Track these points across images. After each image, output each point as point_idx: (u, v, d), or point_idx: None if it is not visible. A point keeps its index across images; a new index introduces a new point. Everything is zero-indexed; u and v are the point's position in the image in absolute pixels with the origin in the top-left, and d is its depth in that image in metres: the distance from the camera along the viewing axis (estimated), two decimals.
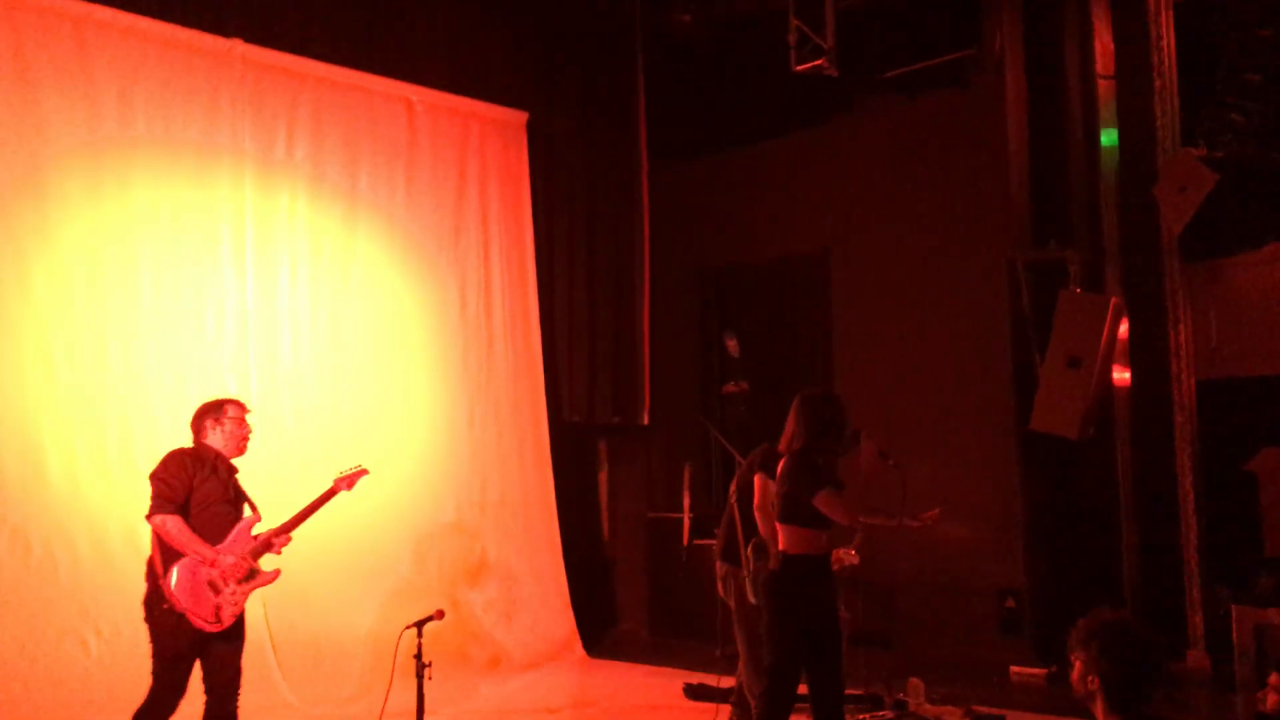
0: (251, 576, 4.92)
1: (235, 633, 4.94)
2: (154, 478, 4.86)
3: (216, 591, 4.78)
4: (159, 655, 4.77)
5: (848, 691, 5.65)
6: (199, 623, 4.73)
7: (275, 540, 5.01)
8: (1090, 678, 2.86)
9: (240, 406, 5.09)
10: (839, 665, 4.96)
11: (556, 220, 9.65)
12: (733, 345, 9.97)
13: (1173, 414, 7.69)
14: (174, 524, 4.76)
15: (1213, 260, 7.70)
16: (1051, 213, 8.10)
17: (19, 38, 6.83)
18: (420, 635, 5.02)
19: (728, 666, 6.64)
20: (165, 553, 4.78)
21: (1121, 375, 7.90)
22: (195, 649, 4.78)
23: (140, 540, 6.04)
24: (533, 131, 9.51)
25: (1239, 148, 7.37)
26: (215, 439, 4.99)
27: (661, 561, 9.81)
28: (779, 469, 5.09)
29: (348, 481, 5.37)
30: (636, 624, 9.97)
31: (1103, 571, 7.81)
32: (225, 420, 4.99)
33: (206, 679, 4.87)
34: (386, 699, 5.40)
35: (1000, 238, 8.29)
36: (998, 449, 8.31)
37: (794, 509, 4.89)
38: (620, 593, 10.14)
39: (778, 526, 5.02)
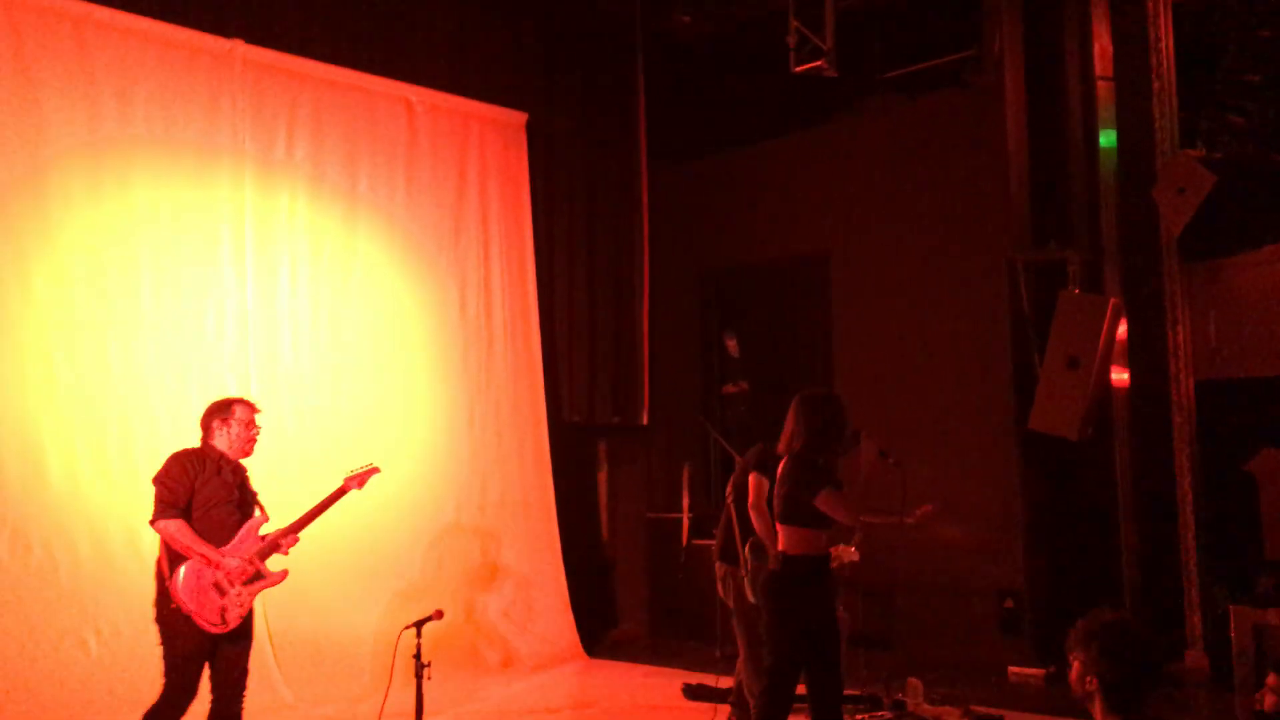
0: (257, 578, 4.92)
1: (243, 634, 4.94)
2: (156, 481, 4.87)
3: (222, 593, 4.78)
4: (168, 656, 4.78)
5: (846, 691, 5.66)
6: (204, 624, 4.73)
7: (283, 541, 5.00)
8: (1089, 678, 2.86)
9: (249, 407, 5.07)
10: (838, 665, 4.97)
11: (556, 220, 9.65)
12: (732, 345, 9.99)
13: (1171, 414, 7.69)
14: (176, 527, 4.77)
15: (1212, 261, 7.71)
16: (1051, 213, 8.10)
17: (19, 37, 6.83)
18: (419, 635, 5.03)
19: (727, 667, 6.65)
20: (172, 554, 4.81)
21: (1120, 376, 7.91)
22: (204, 650, 4.78)
23: (140, 541, 6.06)
24: (532, 132, 9.51)
25: (1238, 149, 7.38)
26: (221, 440, 4.99)
27: (661, 562, 9.82)
28: (779, 469, 5.10)
29: (358, 480, 5.33)
30: (636, 624, 9.98)
31: (1102, 572, 7.81)
32: (232, 422, 4.98)
33: (213, 679, 4.88)
34: (385, 699, 5.39)
35: (1000, 238, 8.30)
36: (997, 449, 8.31)
37: (794, 509, 4.90)
38: (620, 593, 10.14)
39: (778, 527, 5.02)
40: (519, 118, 9.46)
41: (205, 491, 4.87)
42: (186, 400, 6.93)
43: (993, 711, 6.60)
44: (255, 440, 5.04)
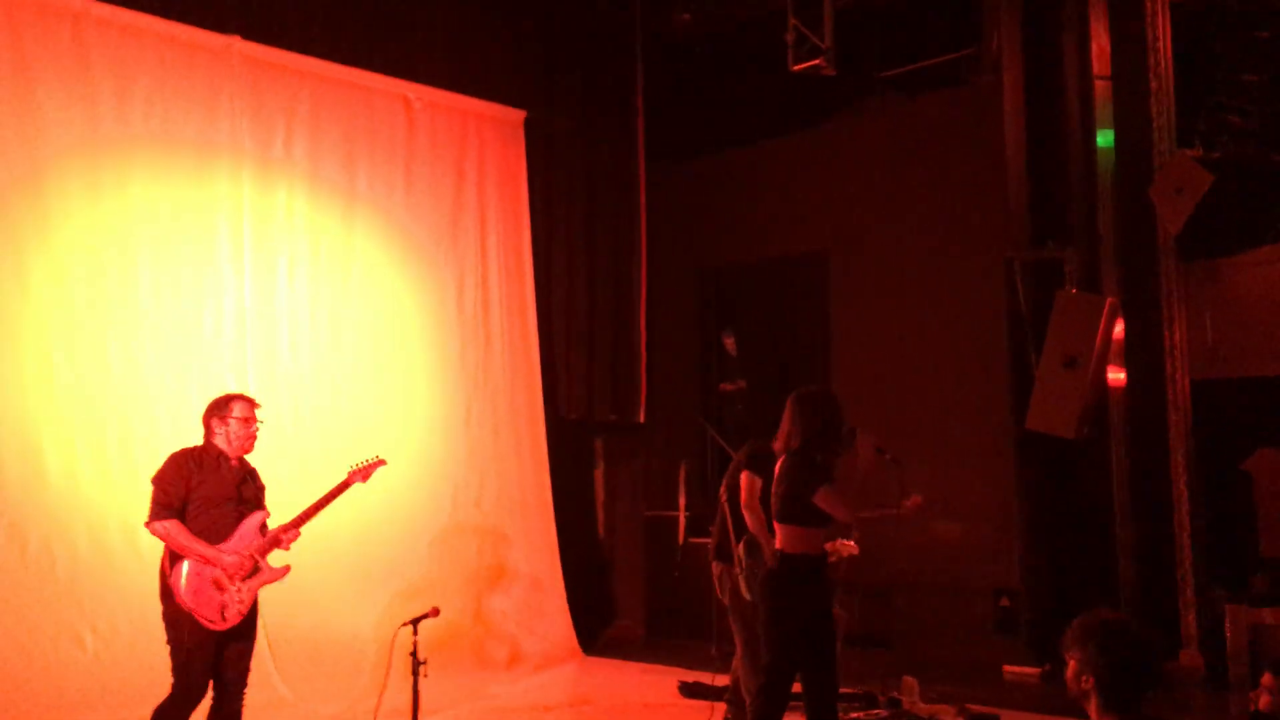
0: (256, 574, 4.91)
1: (246, 631, 4.94)
2: (153, 482, 4.88)
3: (221, 590, 4.78)
4: (174, 653, 4.80)
5: (842, 690, 5.67)
6: (204, 621, 4.74)
7: (283, 536, 4.99)
8: (1085, 677, 2.86)
9: (248, 404, 5.05)
10: (834, 663, 4.97)
11: (555, 218, 9.65)
12: (730, 344, 9.99)
13: (1168, 414, 7.70)
14: (173, 528, 4.79)
15: (1209, 261, 7.72)
16: (1049, 213, 8.11)
17: (17, 34, 6.82)
18: (415, 633, 5.03)
19: (723, 665, 6.65)
20: (172, 552, 4.83)
21: (1117, 375, 7.92)
22: (207, 646, 4.78)
23: (139, 539, 6.04)
24: (531, 130, 9.51)
25: (1235, 148, 7.39)
26: (220, 438, 4.98)
27: (658, 560, 9.83)
28: (777, 467, 5.10)
29: (363, 473, 5.29)
30: (633, 622, 9.98)
31: (1098, 571, 7.83)
32: (230, 420, 4.97)
33: (215, 675, 4.88)
34: (382, 696, 5.40)
35: (998, 237, 8.31)
36: (994, 448, 8.33)
37: (793, 507, 4.90)
38: (617, 591, 10.15)
39: (775, 526, 5.03)
40: (517, 115, 9.45)
41: (203, 490, 4.87)
42: (185, 398, 6.93)
43: (988, 710, 6.60)
44: (255, 437, 5.02)
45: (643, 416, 9.74)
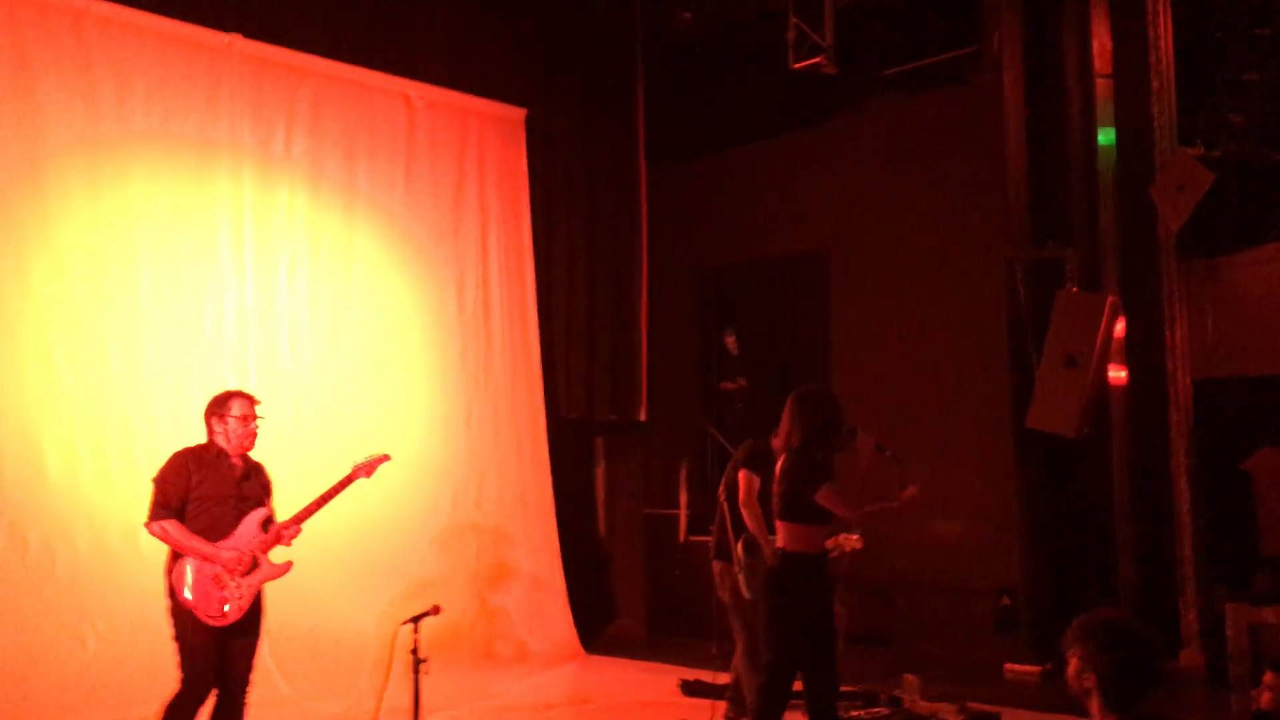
0: (255, 569, 4.90)
1: (249, 628, 4.94)
2: (153, 482, 4.89)
3: (221, 586, 4.79)
4: (181, 649, 4.81)
5: (843, 688, 5.67)
6: (205, 618, 4.75)
7: (284, 532, 4.98)
8: (1086, 675, 2.86)
9: (247, 401, 5.03)
10: (835, 662, 4.97)
11: (555, 217, 9.65)
12: (731, 342, 10.00)
13: (1169, 413, 7.69)
14: (170, 527, 4.80)
15: (1210, 259, 7.71)
16: (1050, 211, 8.10)
17: (18, 32, 6.82)
18: (416, 631, 5.02)
19: (724, 663, 6.66)
20: (174, 550, 4.85)
21: (1118, 374, 7.91)
22: (211, 642, 4.78)
23: (139, 537, 6.03)
24: (532, 129, 9.50)
25: (1236, 147, 7.39)
26: (220, 437, 4.98)
27: (658, 558, 9.83)
28: (778, 466, 5.10)
29: (367, 469, 5.26)
30: (633, 620, 9.98)
31: (1098, 569, 7.82)
32: (228, 418, 4.97)
33: (220, 672, 4.88)
34: (382, 694, 5.40)
35: (998, 237, 8.30)
36: (995, 447, 8.32)
37: (794, 506, 4.90)
38: (617, 589, 10.15)
39: (777, 524, 5.03)
40: (518, 114, 9.45)
41: (204, 489, 4.87)
42: (185, 397, 6.93)
43: (989, 708, 6.60)
44: (255, 434, 5.01)
45: (643, 415, 9.74)
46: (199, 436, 5.06)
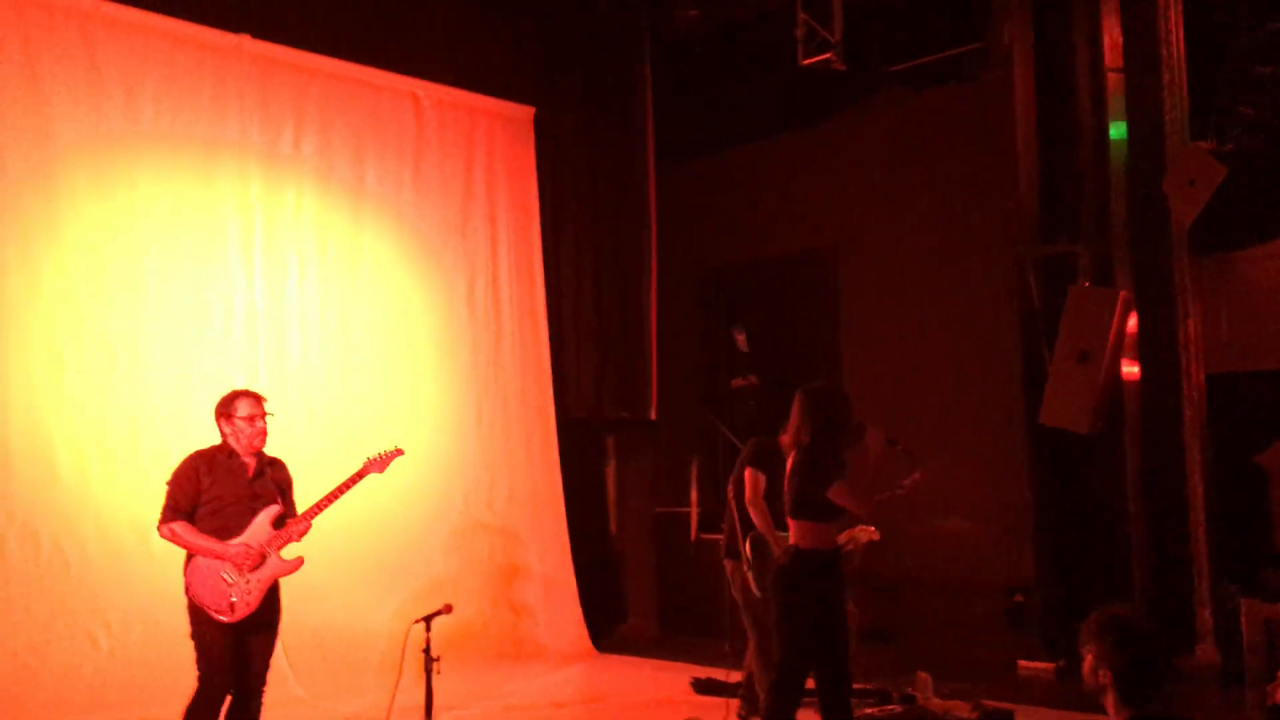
0: (264, 566, 4.90)
1: (265, 625, 4.96)
2: (167, 485, 4.91)
3: (229, 582, 4.80)
4: (196, 645, 4.84)
5: (856, 686, 5.64)
6: (214, 614, 4.76)
7: (295, 528, 4.99)
8: (1102, 671, 2.85)
9: (252, 401, 5.02)
10: (847, 659, 4.96)
11: (564, 216, 9.64)
12: (741, 339, 9.97)
13: (1182, 408, 7.66)
14: (179, 529, 4.84)
15: (1222, 254, 7.66)
16: (1060, 207, 8.07)
17: (27, 33, 6.84)
18: (428, 630, 5.03)
19: (736, 661, 6.65)
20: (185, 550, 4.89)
21: (1130, 369, 7.88)
22: (224, 640, 4.80)
23: (149, 536, 6.04)
24: (539, 127, 9.50)
25: (1249, 141, 7.34)
26: (230, 438, 4.99)
27: (669, 556, 9.82)
28: (789, 463, 5.09)
29: (379, 464, 5.27)
30: (644, 619, 9.98)
31: (1111, 566, 7.79)
32: (236, 419, 4.97)
33: (237, 670, 4.88)
34: (395, 693, 5.40)
35: (1008, 232, 8.27)
36: (1006, 444, 8.29)
37: (805, 503, 4.89)
38: (628, 588, 10.14)
39: (789, 521, 5.01)
40: (526, 112, 9.44)
41: (215, 491, 4.89)
42: (194, 396, 6.94)
43: (1003, 705, 6.58)
44: (264, 433, 5.01)
45: (654, 413, 9.73)
46: (208, 435, 5.07)
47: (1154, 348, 7.83)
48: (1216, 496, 7.54)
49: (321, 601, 7.37)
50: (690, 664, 7.95)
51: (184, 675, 4.89)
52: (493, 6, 9.22)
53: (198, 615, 4.81)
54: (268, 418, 5.03)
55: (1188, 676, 7.16)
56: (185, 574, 4.83)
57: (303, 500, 5.17)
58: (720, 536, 6.66)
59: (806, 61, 8.36)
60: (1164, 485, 7.72)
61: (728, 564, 6.36)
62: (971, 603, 8.34)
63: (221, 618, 4.77)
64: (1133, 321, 7.77)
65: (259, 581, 4.87)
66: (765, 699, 5.13)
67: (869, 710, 6.49)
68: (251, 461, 4.99)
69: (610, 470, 10.33)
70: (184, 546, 4.84)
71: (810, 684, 4.92)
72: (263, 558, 4.88)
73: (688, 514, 9.39)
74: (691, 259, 10.37)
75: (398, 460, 5.40)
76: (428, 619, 5.05)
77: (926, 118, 9.08)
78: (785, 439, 5.23)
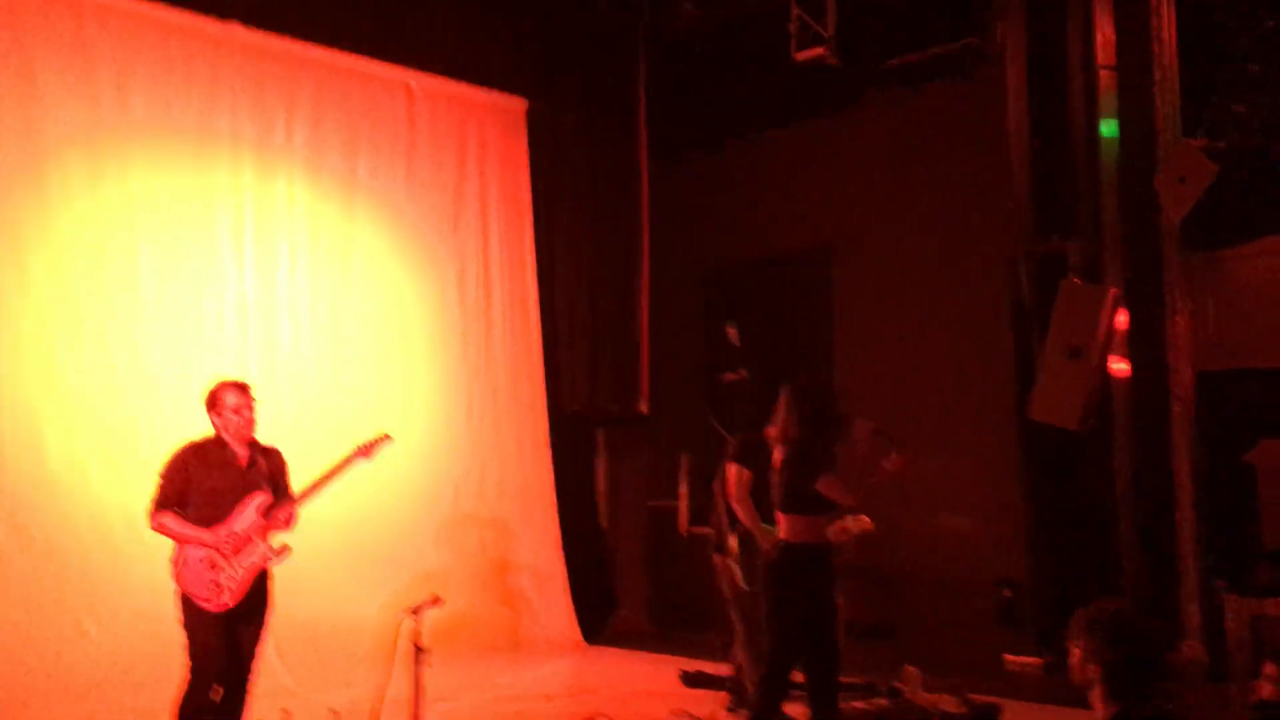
0: (249, 552, 4.88)
1: (254, 614, 4.96)
2: (158, 476, 4.90)
3: (215, 569, 4.80)
4: (186, 635, 4.84)
5: (844, 680, 5.66)
6: (200, 601, 4.77)
7: (280, 515, 4.98)
8: (1090, 666, 2.87)
9: (237, 391, 5.00)
10: (836, 653, 4.98)
11: (557, 208, 9.63)
12: (734, 334, 9.97)
13: (1171, 405, 7.68)
14: (168, 520, 4.85)
15: (1213, 251, 7.68)
16: (1052, 203, 8.08)
17: (18, 22, 6.82)
18: (418, 621, 5.02)
19: (725, 654, 6.66)
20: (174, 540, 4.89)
21: (1119, 366, 7.90)
22: (213, 629, 4.80)
23: (140, 527, 6.04)
24: (533, 120, 9.49)
25: (1240, 139, 7.36)
26: (220, 430, 4.99)
27: (660, 550, 9.83)
28: (776, 458, 5.10)
29: (367, 450, 5.25)
30: (635, 612, 9.99)
31: (1100, 562, 7.82)
32: (223, 411, 4.97)
33: (226, 660, 4.88)
34: (385, 685, 5.40)
35: (1002, 230, 8.28)
36: (997, 439, 8.32)
37: (795, 497, 4.90)
38: (618, 581, 10.15)
39: (778, 515, 5.02)
40: (519, 104, 9.43)
41: (206, 483, 4.90)
42: (186, 386, 6.90)
43: (990, 700, 6.60)
44: (251, 423, 4.99)
45: (645, 408, 9.73)
46: (200, 425, 5.07)
47: (1144, 345, 7.85)
48: (1204, 494, 7.57)
49: (312, 593, 7.37)
50: (680, 657, 7.97)
51: (174, 665, 4.89)
52: None
53: (188, 604, 4.82)
54: (255, 406, 5.02)
55: (1174, 672, 7.19)
56: (174, 564, 4.83)
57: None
58: (710, 530, 6.67)
59: (800, 56, 8.35)
60: (1153, 482, 7.75)
61: (717, 558, 6.38)
62: (960, 598, 8.37)
63: (208, 606, 4.77)
64: (1123, 318, 7.79)
65: (245, 570, 4.86)
66: (753, 692, 5.15)
67: (856, 704, 6.51)
68: (244, 451, 4.99)
69: (602, 464, 10.33)
70: (172, 537, 4.85)
71: (798, 677, 4.94)
72: (249, 545, 4.87)
73: (678, 508, 9.39)
74: (686, 254, 10.36)
75: (388, 451, 5.39)
76: (417, 610, 5.04)
77: (921, 115, 9.09)
78: (772, 433, 5.24)
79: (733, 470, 6.07)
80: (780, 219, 9.91)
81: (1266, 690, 6.08)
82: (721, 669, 6.72)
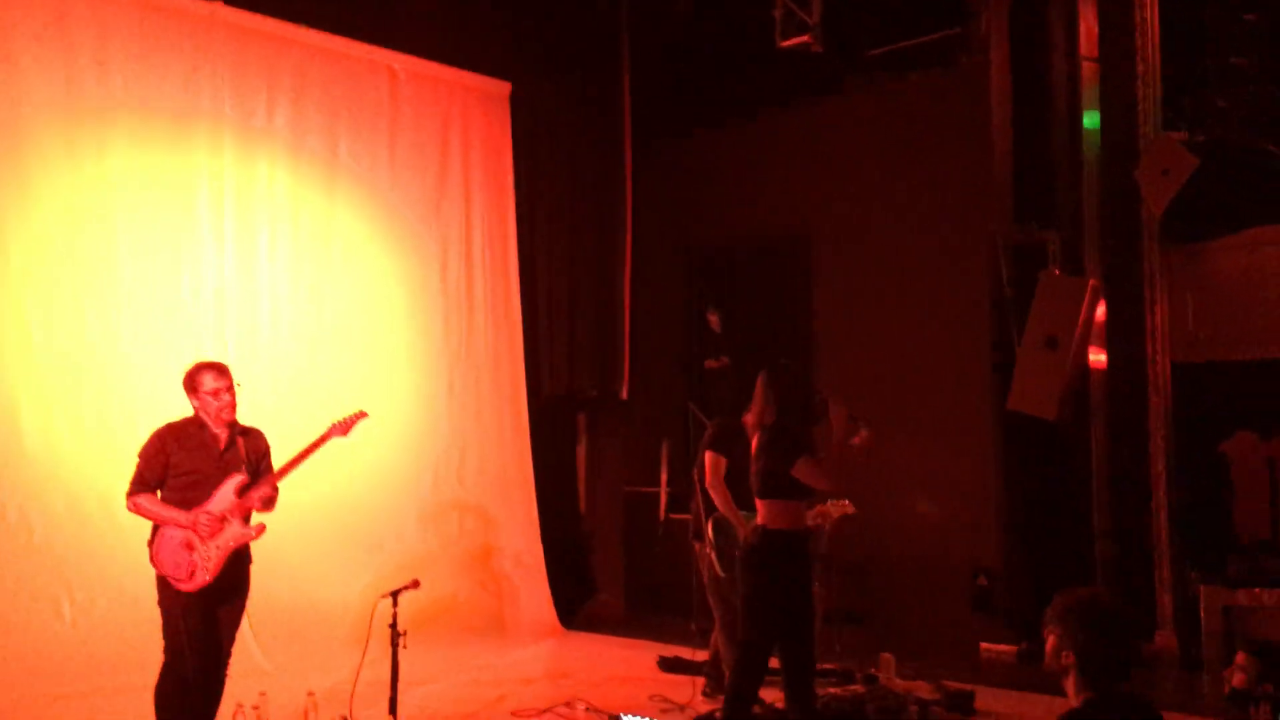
0: (224, 533, 4.86)
1: (231, 594, 4.94)
2: (137, 458, 4.89)
3: (190, 550, 4.78)
4: (163, 615, 4.83)
5: (819, 665, 5.69)
6: (174, 582, 4.75)
7: (257, 495, 4.96)
8: (1064, 653, 2.88)
9: (215, 373, 4.98)
10: (812, 639, 5.00)
11: (539, 192, 9.60)
12: (714, 320, 9.97)
13: (1148, 396, 7.74)
14: (144, 501, 4.85)
15: (1192, 244, 7.73)
16: (1033, 193, 8.11)
17: None
18: (395, 605, 5.02)
19: (702, 640, 6.68)
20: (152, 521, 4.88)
21: (1097, 358, 7.95)
22: (189, 610, 4.77)
23: (116, 507, 6.01)
24: (516, 104, 9.45)
25: (1221, 132, 7.39)
26: (199, 412, 4.96)
27: (638, 535, 9.83)
28: (754, 444, 5.11)
29: (343, 427, 5.22)
30: (613, 597, 10.00)
31: (1076, 550, 7.87)
32: (202, 394, 4.95)
33: (203, 641, 4.86)
34: (360, 667, 5.40)
35: (983, 218, 8.31)
36: (975, 428, 8.35)
37: (772, 482, 4.92)
38: (597, 566, 10.16)
39: (757, 501, 5.03)
40: (503, 87, 9.39)
41: (185, 464, 4.88)
42: (163, 366, 6.88)
43: (964, 687, 6.64)
44: (232, 405, 4.97)
45: (625, 392, 9.73)
46: (178, 406, 5.05)
47: (1121, 336, 7.90)
48: (1180, 484, 7.64)
49: (291, 576, 7.36)
50: (657, 642, 7.99)
51: (149, 645, 4.88)
52: None
53: (164, 585, 4.81)
54: (236, 388, 4.99)
55: (1147, 661, 7.26)
56: (151, 545, 4.82)
57: None
58: (689, 516, 6.68)
59: (784, 43, 8.34)
60: (1129, 472, 7.80)
61: (696, 545, 6.39)
62: (936, 585, 8.41)
63: (184, 587, 4.76)
64: (1101, 310, 7.83)
65: (218, 549, 4.84)
66: (730, 677, 5.17)
67: (832, 690, 6.55)
68: (223, 433, 4.97)
69: (581, 449, 10.33)
70: (149, 518, 4.84)
71: (774, 663, 4.96)
72: (225, 526, 4.85)
73: (658, 494, 9.40)
74: (668, 239, 10.35)
75: (367, 434, 5.38)
76: (395, 594, 5.05)
77: (904, 104, 9.09)
78: (750, 419, 5.25)
79: (709, 457, 6.08)
80: (762, 205, 9.91)
81: (1238, 679, 6.15)
82: (699, 654, 6.74)
